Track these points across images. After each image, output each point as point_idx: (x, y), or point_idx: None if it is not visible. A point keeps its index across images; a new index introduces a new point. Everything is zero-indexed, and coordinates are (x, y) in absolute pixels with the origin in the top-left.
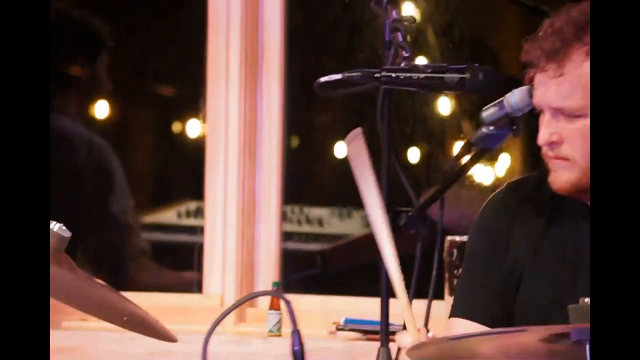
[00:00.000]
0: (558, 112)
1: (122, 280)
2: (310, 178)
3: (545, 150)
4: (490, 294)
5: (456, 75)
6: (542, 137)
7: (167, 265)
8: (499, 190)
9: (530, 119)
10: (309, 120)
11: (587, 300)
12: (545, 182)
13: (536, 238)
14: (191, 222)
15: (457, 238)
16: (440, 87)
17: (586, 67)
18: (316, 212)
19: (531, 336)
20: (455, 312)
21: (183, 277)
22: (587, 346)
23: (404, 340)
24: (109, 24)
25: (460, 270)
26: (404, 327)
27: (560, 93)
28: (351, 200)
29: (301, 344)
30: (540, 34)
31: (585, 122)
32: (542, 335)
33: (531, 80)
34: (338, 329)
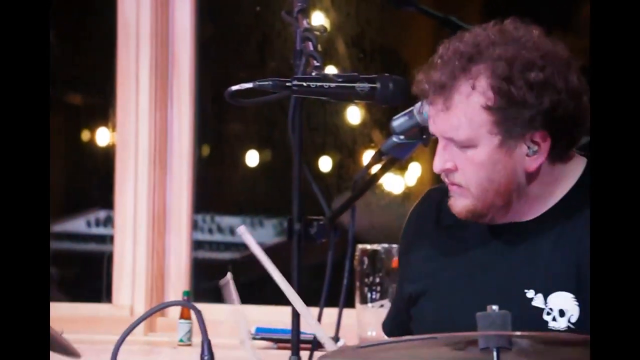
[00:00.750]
0: (450, 141)
1: None
2: (221, 187)
3: (442, 176)
4: (393, 308)
5: (367, 85)
6: (437, 164)
7: (75, 276)
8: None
9: None
10: (219, 130)
11: (494, 307)
12: None
13: (441, 249)
14: (101, 231)
15: (368, 246)
16: (351, 97)
17: (472, 100)
18: (227, 220)
19: (440, 344)
20: None
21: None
22: (495, 353)
23: None
24: None
25: (371, 278)
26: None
27: (449, 125)
28: (263, 209)
29: (211, 353)
30: (430, 65)
31: (476, 152)
32: (452, 343)
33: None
34: None
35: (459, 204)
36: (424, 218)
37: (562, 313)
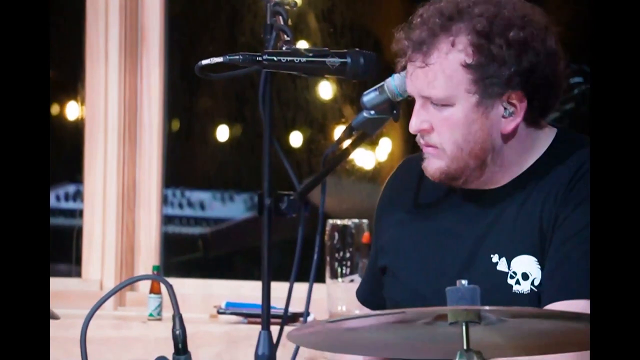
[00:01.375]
0: (427, 100)
1: None
2: (191, 161)
3: (417, 138)
4: (366, 275)
5: (337, 60)
6: (413, 124)
7: None
8: (399, 164)
9: (410, 103)
10: (189, 104)
11: (464, 282)
12: None
13: (413, 219)
14: (70, 205)
15: (339, 222)
16: (322, 71)
17: (452, 57)
18: (197, 195)
19: (409, 318)
20: None
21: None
22: (464, 327)
23: None
24: None
25: (341, 253)
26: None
27: (427, 82)
28: (233, 183)
29: (183, 328)
30: (410, 24)
31: (453, 111)
32: (421, 318)
33: (402, 69)
34: (219, 313)
35: (433, 165)
36: (400, 186)
37: (525, 276)
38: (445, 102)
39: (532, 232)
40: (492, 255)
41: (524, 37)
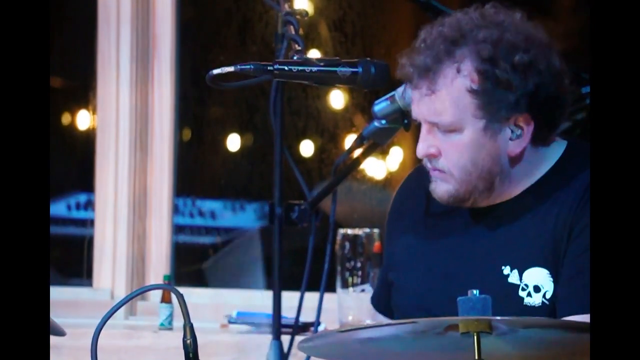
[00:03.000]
0: (434, 125)
1: None
2: (202, 171)
3: (424, 162)
4: (379, 283)
5: (348, 69)
6: (420, 150)
7: (56, 259)
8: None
9: None
10: (200, 113)
11: (475, 291)
12: None
13: (423, 234)
14: (81, 214)
15: (350, 231)
16: (333, 81)
17: (457, 83)
18: (208, 204)
19: (420, 328)
20: None
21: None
22: (475, 338)
23: None
24: None
25: (352, 263)
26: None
27: (434, 109)
28: (244, 193)
29: (194, 337)
30: (413, 49)
31: (460, 137)
32: (432, 328)
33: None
34: (230, 322)
35: (441, 188)
36: (409, 197)
37: (537, 289)
38: (452, 128)
39: (545, 244)
40: (503, 267)
41: (528, 59)
